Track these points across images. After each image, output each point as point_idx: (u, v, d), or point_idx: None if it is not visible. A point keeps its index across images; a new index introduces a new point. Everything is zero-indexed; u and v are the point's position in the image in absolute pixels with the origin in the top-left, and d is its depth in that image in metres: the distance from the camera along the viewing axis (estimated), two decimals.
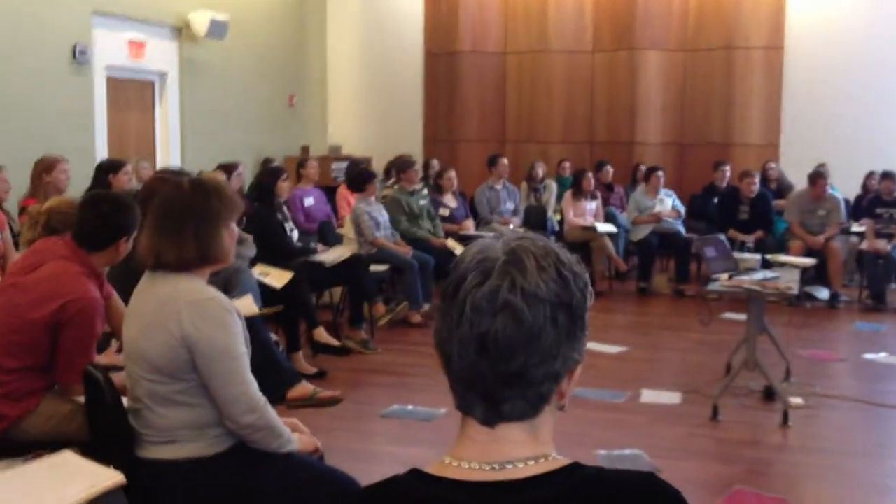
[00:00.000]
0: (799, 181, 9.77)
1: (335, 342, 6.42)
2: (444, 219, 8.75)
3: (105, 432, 2.80)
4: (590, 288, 1.24)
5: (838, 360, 6.80)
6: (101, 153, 8.64)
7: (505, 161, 9.79)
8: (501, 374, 1.18)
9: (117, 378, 2.86)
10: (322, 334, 6.31)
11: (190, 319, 2.56)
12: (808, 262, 6.76)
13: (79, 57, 8.23)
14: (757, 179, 9.16)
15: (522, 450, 1.20)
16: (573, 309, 1.20)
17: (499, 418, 1.21)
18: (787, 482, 4.37)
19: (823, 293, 8.73)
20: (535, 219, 9.85)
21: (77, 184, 6.97)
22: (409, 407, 5.35)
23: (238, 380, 2.59)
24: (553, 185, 10.53)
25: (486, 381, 1.18)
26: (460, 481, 1.18)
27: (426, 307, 7.66)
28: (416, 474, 1.22)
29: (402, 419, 5.19)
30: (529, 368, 1.18)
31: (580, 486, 1.17)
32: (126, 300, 2.80)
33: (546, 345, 1.17)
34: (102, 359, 3.44)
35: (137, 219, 3.36)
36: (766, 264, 6.09)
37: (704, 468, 4.49)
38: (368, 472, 4.06)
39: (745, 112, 11.59)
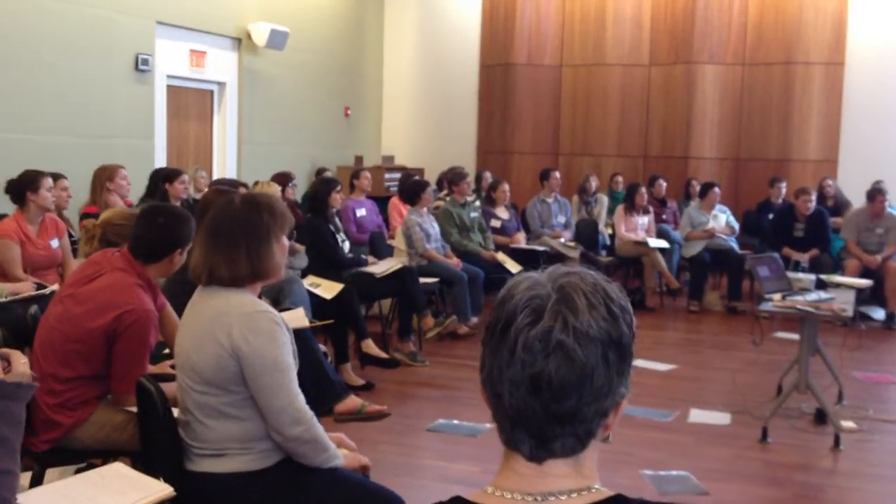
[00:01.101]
0: (857, 199, 9.61)
1: (384, 354, 6.46)
2: (495, 231, 8.76)
3: (156, 443, 2.86)
4: (634, 321, 1.25)
5: (894, 383, 6.66)
6: (160, 161, 8.81)
7: (557, 175, 9.78)
8: (554, 413, 1.18)
9: (168, 389, 2.93)
10: (371, 346, 6.35)
11: (240, 332, 2.61)
12: (864, 283, 6.65)
13: (141, 66, 8.41)
14: (813, 197, 9.02)
15: (566, 483, 1.21)
16: (622, 346, 1.21)
17: (548, 455, 1.21)
18: None
19: (879, 314, 8.58)
20: (586, 233, 9.81)
21: (136, 191, 7.13)
22: (455, 421, 5.37)
23: (285, 392, 2.63)
24: (604, 199, 10.49)
25: (538, 420, 1.19)
26: None
27: (475, 320, 7.67)
28: (458, 502, 1.23)
29: (447, 434, 5.20)
30: (582, 407, 1.18)
31: None
32: (182, 312, 2.85)
33: (598, 384, 1.18)
34: (154, 368, 3.51)
35: (192, 231, 3.43)
36: (821, 284, 6.01)
37: (752, 491, 4.44)
38: (413, 487, 4.12)
39: (803, 128, 11.43)
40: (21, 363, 2.29)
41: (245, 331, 2.61)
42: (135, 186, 6.94)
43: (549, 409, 1.18)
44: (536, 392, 1.17)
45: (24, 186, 5.53)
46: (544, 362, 1.16)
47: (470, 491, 1.25)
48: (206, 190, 5.31)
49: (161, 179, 7.12)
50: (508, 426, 1.22)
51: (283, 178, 7.84)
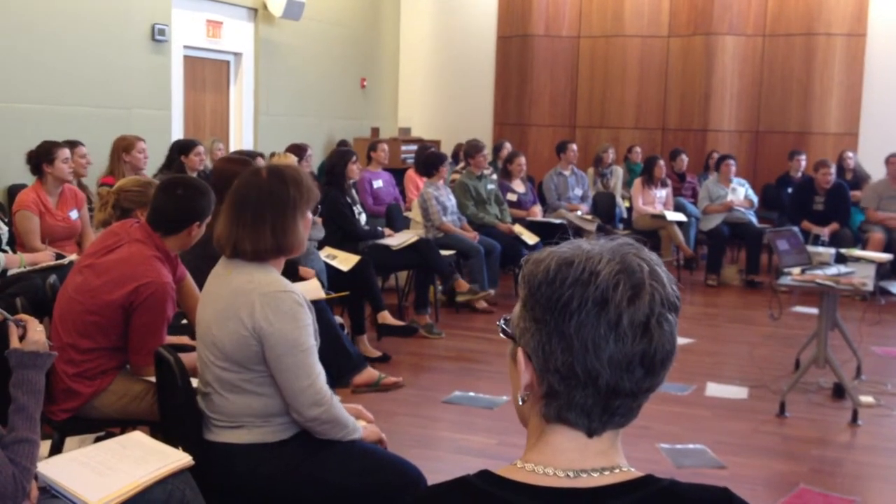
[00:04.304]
0: (877, 172, 9.53)
1: (401, 322, 6.46)
2: (511, 204, 8.73)
3: (174, 413, 2.87)
4: None
5: None
6: (177, 132, 8.81)
7: (574, 147, 9.72)
8: (644, 388, 1.18)
9: (187, 359, 2.93)
10: (387, 318, 6.36)
11: (263, 312, 2.59)
12: (885, 257, 6.59)
13: (157, 36, 8.38)
14: (833, 170, 8.94)
15: (600, 460, 1.20)
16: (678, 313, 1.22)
17: (605, 428, 1.20)
18: (855, 483, 4.28)
19: None
20: (603, 206, 9.77)
21: (153, 163, 7.13)
22: (472, 394, 5.37)
23: (305, 373, 2.62)
24: (619, 171, 10.43)
25: (623, 395, 1.17)
26: (530, 486, 1.17)
27: (492, 292, 7.67)
28: (485, 476, 1.21)
29: (464, 406, 5.20)
30: (662, 380, 1.19)
31: (653, 499, 1.16)
32: (204, 283, 2.85)
33: (675, 352, 1.19)
34: (173, 339, 3.52)
35: (211, 204, 3.41)
36: (841, 258, 5.96)
37: (769, 466, 4.43)
38: (429, 459, 4.13)
39: (824, 100, 11.31)
40: (37, 330, 2.30)
41: (267, 310, 2.59)
42: (151, 157, 6.93)
43: (641, 384, 1.17)
44: (633, 368, 1.16)
45: (40, 158, 5.55)
46: (649, 339, 1.15)
47: (486, 462, 1.24)
48: (219, 161, 5.31)
49: (178, 151, 7.11)
50: (590, 403, 1.18)
51: (297, 150, 7.81)
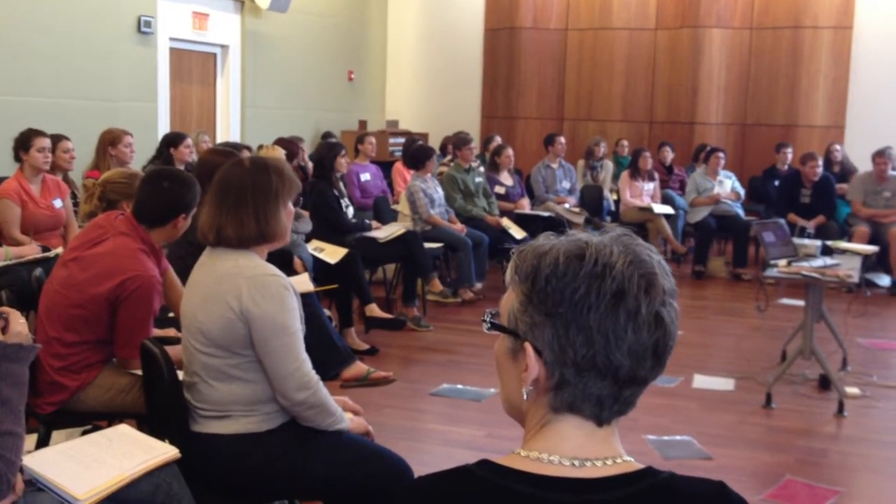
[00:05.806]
0: (863, 165, 9.56)
1: (389, 315, 6.46)
2: (499, 197, 8.73)
3: (161, 406, 2.86)
4: None
5: None
6: (164, 124, 8.78)
7: (562, 140, 9.72)
8: (653, 376, 1.21)
9: (173, 352, 2.92)
10: (375, 310, 6.35)
11: (250, 295, 2.60)
12: (870, 249, 6.62)
13: (143, 28, 8.34)
14: (820, 162, 8.97)
15: (603, 448, 1.21)
16: None
17: (614, 417, 1.22)
18: (841, 473, 4.30)
19: (885, 280, 8.55)
20: (591, 198, 9.78)
21: (139, 156, 7.09)
22: (459, 386, 5.37)
23: (293, 356, 2.63)
24: (609, 165, 10.45)
25: (635, 384, 1.20)
26: (533, 474, 1.18)
27: (479, 285, 7.67)
28: (485, 465, 1.21)
29: (451, 398, 5.21)
30: (665, 366, 1.22)
31: (652, 491, 1.18)
32: (188, 274, 2.84)
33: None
34: (159, 332, 3.50)
35: (197, 196, 3.40)
36: (827, 251, 5.99)
37: (755, 457, 4.44)
38: (417, 451, 4.14)
39: (811, 93, 11.35)
40: (19, 322, 2.28)
41: (255, 293, 2.61)
42: (137, 150, 6.89)
43: (651, 372, 1.20)
44: (646, 357, 1.18)
45: (18, 146, 5.53)
46: (664, 328, 1.18)
47: (474, 454, 1.24)
48: (203, 153, 5.31)
49: (167, 144, 7.08)
50: (605, 393, 1.19)
51: (288, 144, 7.77)
